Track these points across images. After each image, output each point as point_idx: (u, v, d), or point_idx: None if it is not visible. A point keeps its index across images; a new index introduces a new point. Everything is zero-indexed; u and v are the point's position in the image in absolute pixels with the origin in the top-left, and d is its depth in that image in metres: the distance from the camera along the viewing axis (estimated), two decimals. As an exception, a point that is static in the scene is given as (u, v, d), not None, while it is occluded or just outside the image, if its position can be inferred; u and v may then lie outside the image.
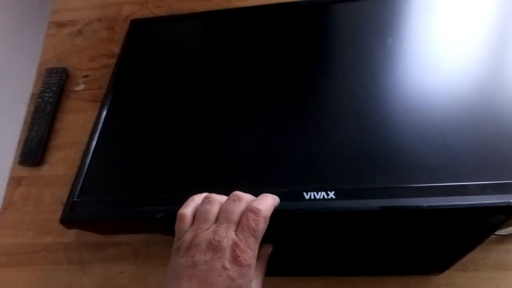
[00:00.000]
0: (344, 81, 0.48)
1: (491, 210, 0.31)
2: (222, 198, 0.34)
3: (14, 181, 0.59)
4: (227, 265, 0.29)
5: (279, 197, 0.36)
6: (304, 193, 0.38)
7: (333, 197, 0.37)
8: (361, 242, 0.41)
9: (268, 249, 0.37)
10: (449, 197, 0.35)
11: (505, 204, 0.31)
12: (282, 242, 0.40)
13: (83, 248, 0.53)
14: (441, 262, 0.42)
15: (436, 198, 0.35)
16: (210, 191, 0.35)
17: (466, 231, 0.36)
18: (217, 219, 0.32)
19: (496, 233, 0.45)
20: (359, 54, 0.50)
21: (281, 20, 0.57)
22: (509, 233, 0.44)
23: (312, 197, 0.38)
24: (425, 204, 0.33)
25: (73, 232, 0.53)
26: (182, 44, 0.59)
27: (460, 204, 0.32)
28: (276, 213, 0.33)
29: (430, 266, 0.43)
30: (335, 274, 0.46)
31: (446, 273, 0.43)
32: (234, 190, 0.34)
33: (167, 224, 0.37)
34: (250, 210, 0.31)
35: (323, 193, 0.38)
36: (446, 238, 0.38)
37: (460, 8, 0.52)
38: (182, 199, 0.36)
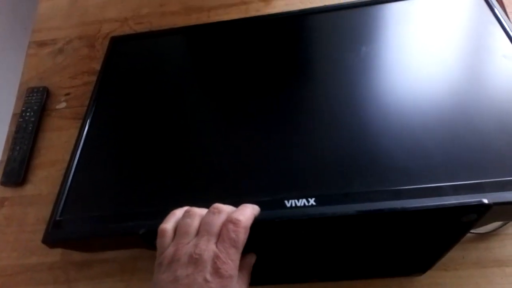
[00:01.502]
0: (321, 90, 0.49)
1: (463, 209, 0.32)
2: (202, 211, 0.34)
3: (-3, 203, 0.59)
4: (209, 277, 0.29)
5: (261, 206, 0.36)
6: (286, 201, 0.39)
7: (314, 203, 0.38)
8: (343, 247, 0.42)
9: (251, 259, 0.37)
10: (425, 199, 0.36)
11: (475, 203, 0.32)
12: (266, 251, 0.41)
13: (69, 266, 0.52)
14: (422, 263, 0.43)
15: (412, 200, 0.36)
16: (192, 204, 0.36)
17: (442, 231, 0.37)
18: (198, 232, 0.32)
19: (475, 231, 0.46)
20: (336, 63, 0.52)
21: (259, 32, 0.59)
22: (487, 231, 0.46)
23: (293, 204, 0.38)
24: (399, 207, 0.34)
25: (58, 251, 0.53)
26: (162, 59, 0.60)
27: (431, 205, 0.33)
28: (257, 222, 0.34)
29: (412, 267, 0.44)
30: (319, 280, 0.46)
31: (428, 273, 0.44)
32: (217, 202, 0.35)
33: (149, 240, 0.37)
34: (230, 221, 0.32)
35: (304, 200, 0.38)
36: (424, 239, 0.38)
37: (431, 19, 0.54)
38: (164, 213, 0.36)
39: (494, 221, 0.43)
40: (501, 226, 0.45)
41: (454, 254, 0.45)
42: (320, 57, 0.54)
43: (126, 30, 0.71)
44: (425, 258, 0.42)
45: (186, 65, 0.59)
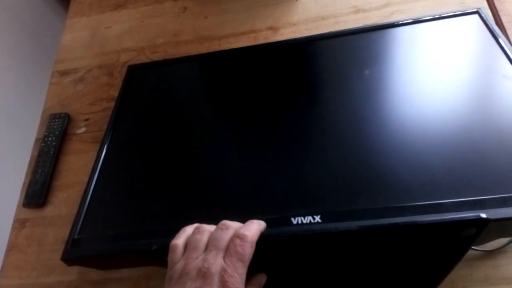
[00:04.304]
0: (327, 112, 0.52)
1: (461, 224, 0.33)
2: (211, 227, 0.36)
3: (19, 223, 0.62)
4: None
5: (268, 223, 0.38)
6: (292, 219, 0.40)
7: (319, 220, 0.39)
8: (349, 264, 0.43)
9: (262, 278, 0.38)
10: (427, 215, 0.37)
11: (473, 218, 0.33)
12: (273, 268, 0.42)
13: (85, 285, 0.54)
14: (429, 280, 0.43)
15: (414, 216, 0.37)
16: (203, 222, 0.38)
17: (444, 247, 0.37)
18: (206, 248, 0.34)
19: (482, 249, 0.46)
20: (340, 86, 0.54)
21: (267, 59, 0.62)
22: (494, 248, 0.46)
23: (300, 221, 0.40)
24: (399, 221, 0.35)
25: (75, 270, 0.55)
26: (177, 86, 0.63)
27: (430, 220, 0.34)
28: (264, 238, 0.35)
29: (419, 285, 0.44)
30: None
31: (436, 291, 0.44)
32: (225, 220, 0.36)
33: (161, 256, 0.39)
34: (236, 236, 0.33)
35: (310, 217, 0.40)
36: (428, 255, 0.39)
37: (432, 43, 0.56)
38: (176, 231, 0.38)
39: (499, 237, 0.44)
40: (508, 243, 0.45)
41: (462, 271, 0.45)
42: (326, 81, 0.57)
43: (143, 59, 0.75)
44: (431, 275, 0.42)
45: (199, 90, 0.62)
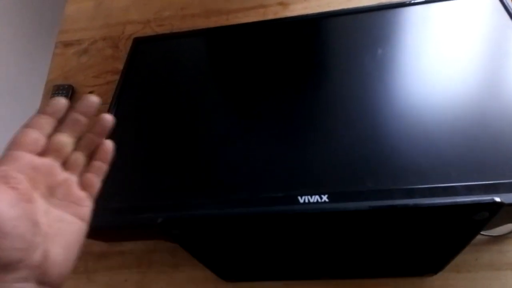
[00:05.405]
0: (337, 91, 0.50)
1: (475, 207, 0.33)
2: None
3: (22, 194, 0.61)
4: None
5: (274, 202, 0.37)
6: (299, 197, 0.39)
7: (327, 200, 0.39)
8: (355, 245, 0.42)
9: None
10: (437, 198, 0.36)
11: (487, 201, 0.32)
12: (278, 247, 0.42)
13: (88, 257, 0.54)
14: (434, 263, 0.43)
15: (424, 199, 0.36)
16: (208, 197, 0.39)
17: (454, 230, 0.37)
18: None
19: (488, 234, 0.46)
20: (351, 65, 0.52)
21: (277, 35, 0.60)
22: (501, 233, 0.45)
23: (306, 201, 0.39)
24: (411, 203, 0.34)
25: (79, 242, 0.55)
26: (183, 60, 0.62)
27: (444, 203, 0.33)
28: (270, 216, 0.35)
29: (424, 268, 0.44)
30: (330, 277, 0.47)
31: (440, 274, 0.44)
32: (232, 196, 0.36)
33: (166, 229, 0.39)
34: None
35: (317, 196, 0.39)
36: (437, 238, 0.39)
37: (447, 23, 0.54)
38: (182, 206, 0.38)
39: (508, 222, 0.43)
40: (515, 230, 0.45)
41: (467, 256, 0.45)
42: (337, 59, 0.55)
43: (148, 31, 0.74)
44: (438, 258, 0.42)
45: (205, 66, 0.60)
